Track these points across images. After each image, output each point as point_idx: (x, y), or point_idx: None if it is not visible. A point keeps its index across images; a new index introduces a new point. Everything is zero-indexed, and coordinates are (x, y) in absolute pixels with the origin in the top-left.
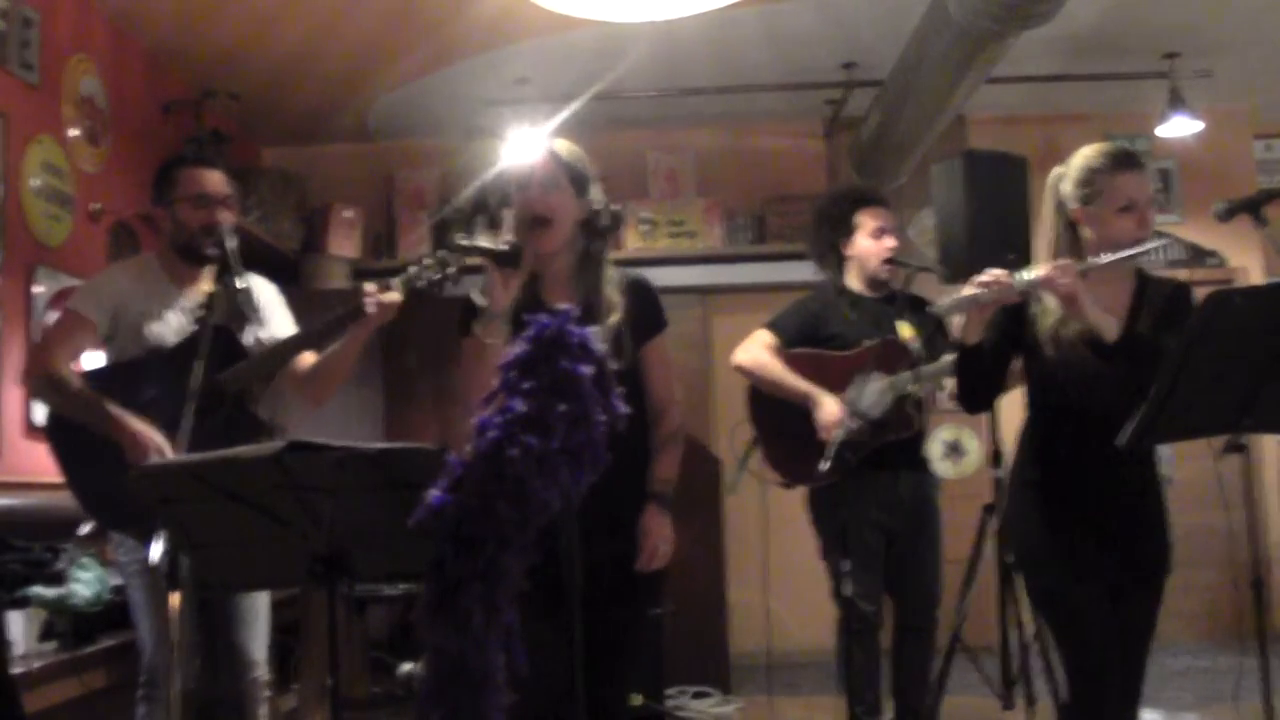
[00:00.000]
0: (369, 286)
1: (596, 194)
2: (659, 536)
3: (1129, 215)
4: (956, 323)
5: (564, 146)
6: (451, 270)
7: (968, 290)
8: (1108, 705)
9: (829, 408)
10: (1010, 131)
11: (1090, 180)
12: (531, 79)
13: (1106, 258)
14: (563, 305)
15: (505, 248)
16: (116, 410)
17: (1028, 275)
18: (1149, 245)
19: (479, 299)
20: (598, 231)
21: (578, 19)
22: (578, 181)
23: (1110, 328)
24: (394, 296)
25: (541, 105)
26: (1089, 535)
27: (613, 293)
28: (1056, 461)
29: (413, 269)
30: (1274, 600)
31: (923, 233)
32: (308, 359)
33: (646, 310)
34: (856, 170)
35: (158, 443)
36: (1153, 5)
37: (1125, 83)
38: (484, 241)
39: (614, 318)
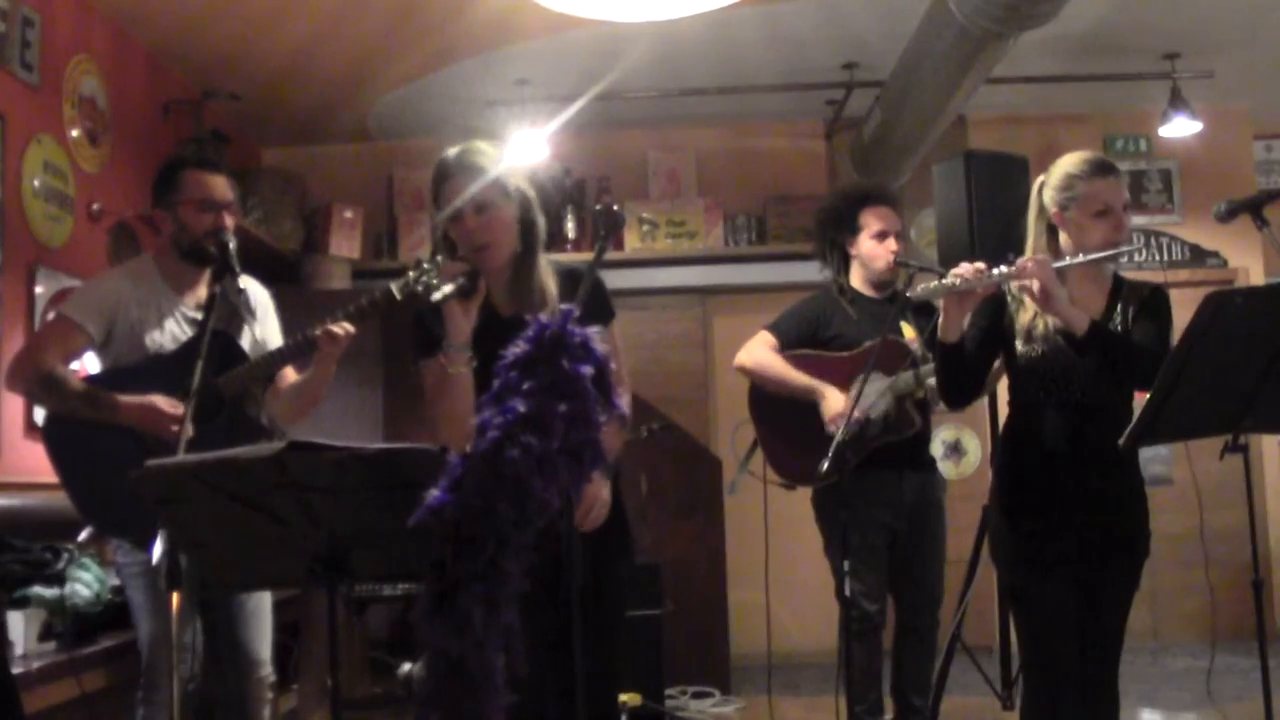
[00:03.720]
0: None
1: (521, 184)
2: (590, 499)
3: (1104, 220)
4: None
5: (479, 154)
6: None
7: (945, 279)
8: (1063, 702)
9: (834, 401)
10: (1010, 131)
11: (1068, 186)
12: (531, 79)
13: (1082, 257)
14: (565, 306)
15: (464, 282)
16: (121, 397)
17: (1003, 268)
18: (1123, 249)
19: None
20: (529, 226)
21: (578, 19)
22: (503, 188)
23: (1080, 322)
24: (345, 328)
25: (541, 105)
26: (1063, 528)
27: (549, 286)
28: (1034, 453)
29: (411, 273)
30: (1274, 600)
31: (924, 233)
32: (289, 375)
33: (595, 302)
34: (857, 170)
35: (172, 412)
36: (1153, 6)
37: (1125, 83)
38: (448, 286)
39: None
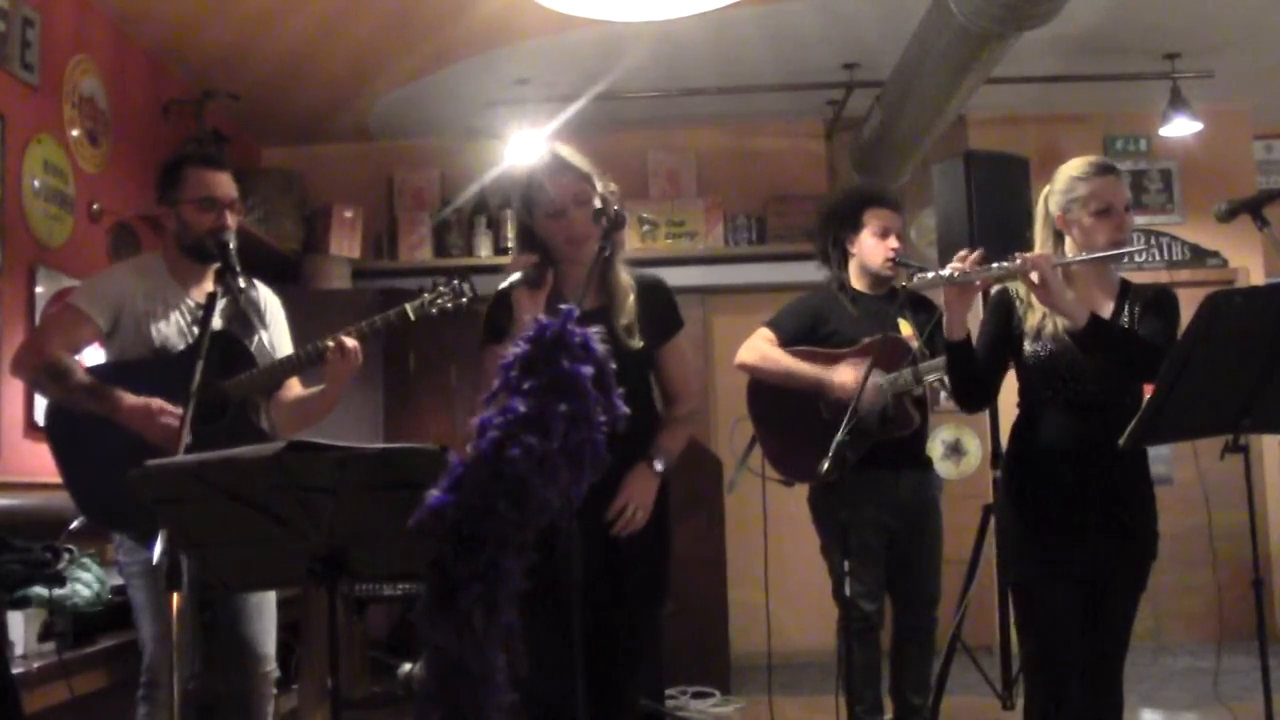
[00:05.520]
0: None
1: (602, 188)
2: (631, 495)
3: (1107, 219)
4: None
5: (570, 154)
6: (464, 300)
7: (944, 270)
8: (1065, 701)
9: (843, 375)
10: (1010, 131)
11: (1070, 187)
12: (531, 79)
13: (1085, 255)
14: (566, 305)
15: (531, 271)
16: (124, 394)
17: (1004, 262)
18: (1128, 249)
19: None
20: (610, 227)
21: (578, 19)
22: (593, 186)
23: (1080, 315)
24: (351, 343)
25: (541, 105)
26: (1069, 528)
27: (627, 288)
28: (1042, 452)
29: (426, 296)
30: (1274, 600)
31: (924, 233)
32: (295, 387)
33: (664, 311)
34: (857, 170)
35: (169, 411)
36: (1153, 5)
37: (1125, 83)
38: (516, 274)
39: (629, 315)
